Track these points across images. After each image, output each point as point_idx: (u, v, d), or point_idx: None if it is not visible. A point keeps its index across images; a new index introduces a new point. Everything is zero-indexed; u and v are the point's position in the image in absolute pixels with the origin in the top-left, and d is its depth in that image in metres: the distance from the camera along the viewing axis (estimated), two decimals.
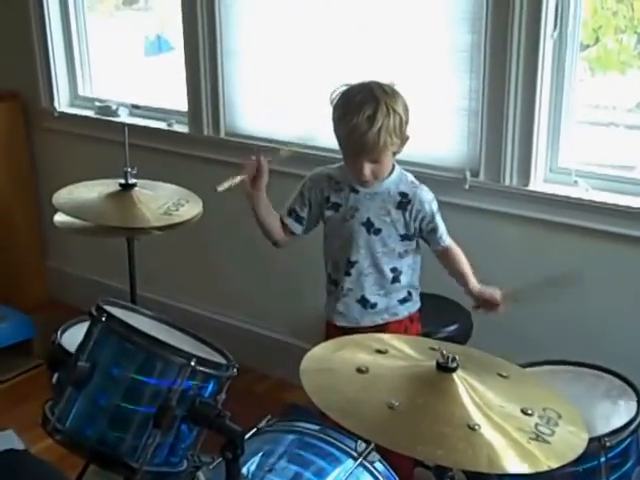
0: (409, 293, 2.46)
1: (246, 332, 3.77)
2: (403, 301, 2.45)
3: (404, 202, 2.36)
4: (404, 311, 2.46)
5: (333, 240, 2.44)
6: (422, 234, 2.40)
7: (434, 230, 2.39)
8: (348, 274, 2.40)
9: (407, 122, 2.28)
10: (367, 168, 2.27)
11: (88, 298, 2.08)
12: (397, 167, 2.39)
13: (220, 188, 2.27)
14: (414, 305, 2.49)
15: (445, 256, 2.44)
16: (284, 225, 2.45)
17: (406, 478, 2.38)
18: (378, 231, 2.36)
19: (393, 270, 2.40)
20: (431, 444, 1.45)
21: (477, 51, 2.88)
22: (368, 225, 2.36)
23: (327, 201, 2.41)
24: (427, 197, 2.38)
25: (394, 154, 2.32)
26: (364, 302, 2.41)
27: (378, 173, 2.31)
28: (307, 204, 2.44)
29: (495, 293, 2.41)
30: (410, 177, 2.41)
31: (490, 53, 2.84)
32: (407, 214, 2.36)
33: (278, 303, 3.68)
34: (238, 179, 2.30)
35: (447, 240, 2.42)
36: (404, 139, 2.30)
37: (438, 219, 2.39)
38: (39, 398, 2.02)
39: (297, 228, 2.45)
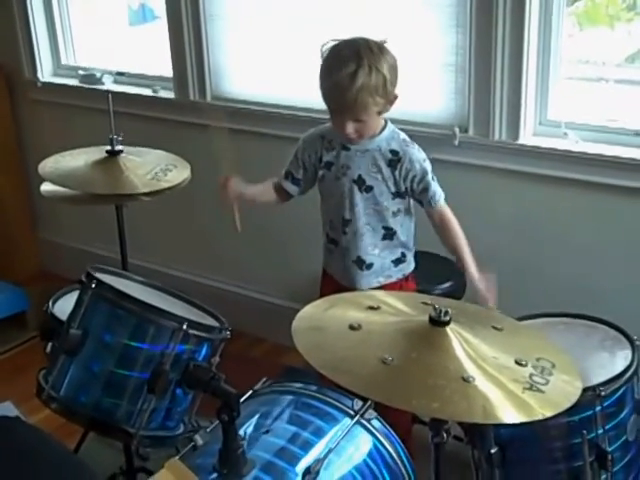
0: (403, 254, 2.46)
1: (240, 296, 3.77)
2: (397, 262, 2.45)
3: (394, 160, 2.34)
4: (398, 273, 2.46)
5: (328, 199, 2.44)
6: (414, 194, 2.39)
7: (425, 190, 2.37)
8: (344, 233, 2.41)
9: (393, 82, 2.24)
10: (350, 126, 2.25)
11: (80, 268, 2.07)
12: (389, 125, 2.37)
13: (240, 228, 2.41)
14: (408, 266, 2.49)
15: (440, 223, 2.40)
16: (282, 188, 2.48)
17: (404, 435, 2.40)
18: (370, 188, 2.36)
19: (387, 229, 2.40)
20: (426, 397, 1.45)
21: (463, 5, 2.86)
22: (360, 183, 2.35)
23: (320, 161, 2.41)
24: (418, 156, 2.35)
25: (380, 113, 2.29)
26: (360, 263, 2.41)
27: (362, 132, 2.29)
28: (301, 165, 2.45)
29: (490, 296, 2.31)
30: (402, 135, 2.39)
31: (476, 7, 2.81)
32: (397, 172, 2.35)
33: (272, 266, 3.67)
34: (236, 212, 2.42)
35: (440, 202, 2.39)
36: (390, 99, 2.26)
37: (429, 179, 2.36)
38: (35, 370, 2.03)
39: (294, 190, 2.48)
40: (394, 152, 2.35)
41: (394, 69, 2.25)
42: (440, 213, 2.40)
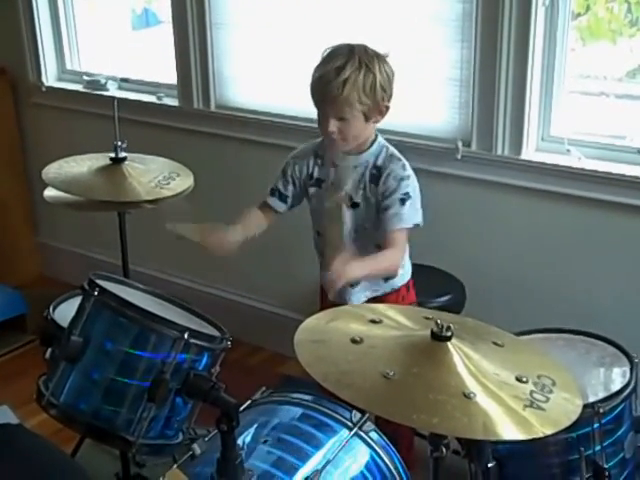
0: None
1: (239, 305, 3.77)
2: (387, 278, 2.38)
3: (376, 176, 2.28)
4: (387, 287, 2.40)
5: (317, 216, 2.41)
6: (379, 212, 2.27)
7: (386, 208, 2.24)
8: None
9: (385, 89, 2.20)
10: (332, 124, 2.19)
11: (80, 273, 2.07)
12: (379, 140, 2.32)
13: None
14: (400, 280, 2.42)
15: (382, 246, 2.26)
16: (267, 206, 2.41)
17: (407, 446, 2.40)
18: (356, 205, 2.31)
19: (377, 247, 2.30)
20: (427, 413, 1.46)
21: (468, 20, 2.86)
22: (347, 199, 2.31)
23: (311, 177, 2.37)
24: (397, 173, 2.26)
25: (367, 118, 2.21)
26: None
27: (346, 133, 2.21)
28: (291, 181, 2.40)
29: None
30: (390, 150, 2.32)
31: (481, 22, 2.82)
32: (378, 189, 2.27)
33: (272, 275, 3.67)
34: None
35: (394, 228, 2.23)
36: (380, 105, 2.21)
37: (396, 198, 2.23)
38: (33, 374, 2.03)
39: (281, 207, 2.42)
40: (377, 168, 2.29)
41: (388, 78, 2.21)
42: (388, 239, 2.24)
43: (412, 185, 2.27)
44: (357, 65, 2.14)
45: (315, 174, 2.37)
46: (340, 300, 2.37)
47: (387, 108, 2.24)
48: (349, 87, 2.13)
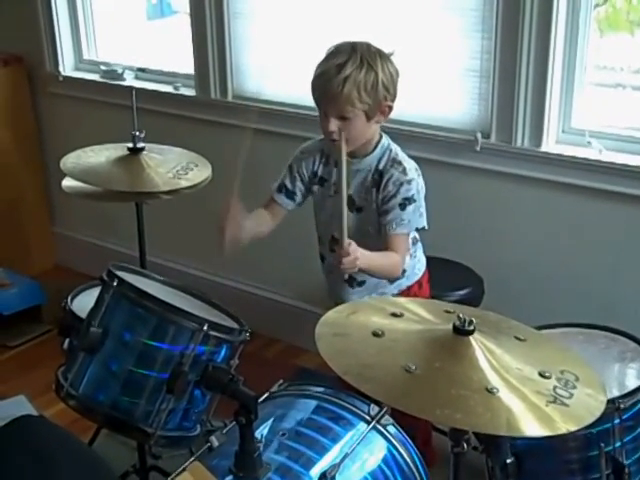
0: (402, 271, 2.32)
1: (255, 296, 3.77)
2: (394, 280, 2.34)
3: (377, 181, 2.23)
4: (394, 289, 2.35)
5: (319, 215, 2.38)
6: (380, 216, 2.24)
7: (385, 213, 2.21)
8: (333, 251, 2.32)
9: (388, 88, 2.14)
10: (333, 123, 2.13)
11: (96, 264, 2.07)
12: (383, 142, 2.27)
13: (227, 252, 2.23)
14: (407, 280, 2.38)
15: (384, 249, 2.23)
16: (275, 203, 2.37)
17: (424, 440, 2.38)
18: (360, 209, 2.27)
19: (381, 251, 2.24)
20: (450, 408, 1.44)
21: (489, 10, 2.84)
22: (350, 203, 2.25)
23: (315, 175, 2.34)
24: (397, 177, 2.21)
25: (369, 118, 2.16)
26: (351, 280, 2.31)
27: (347, 134, 2.13)
28: (298, 177, 2.35)
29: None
30: (393, 154, 2.25)
31: (502, 11, 2.80)
32: (378, 194, 2.24)
33: (287, 267, 3.67)
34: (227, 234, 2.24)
35: (395, 231, 2.21)
36: (382, 105, 2.16)
37: (396, 203, 2.20)
38: (49, 364, 2.04)
39: (289, 204, 2.37)
40: (380, 172, 2.24)
41: (392, 77, 2.16)
42: (388, 244, 2.22)
43: (415, 189, 2.22)
44: (359, 63, 2.10)
45: (319, 172, 2.33)
46: (338, 300, 2.30)
47: (390, 108, 2.19)
48: (350, 85, 2.09)
